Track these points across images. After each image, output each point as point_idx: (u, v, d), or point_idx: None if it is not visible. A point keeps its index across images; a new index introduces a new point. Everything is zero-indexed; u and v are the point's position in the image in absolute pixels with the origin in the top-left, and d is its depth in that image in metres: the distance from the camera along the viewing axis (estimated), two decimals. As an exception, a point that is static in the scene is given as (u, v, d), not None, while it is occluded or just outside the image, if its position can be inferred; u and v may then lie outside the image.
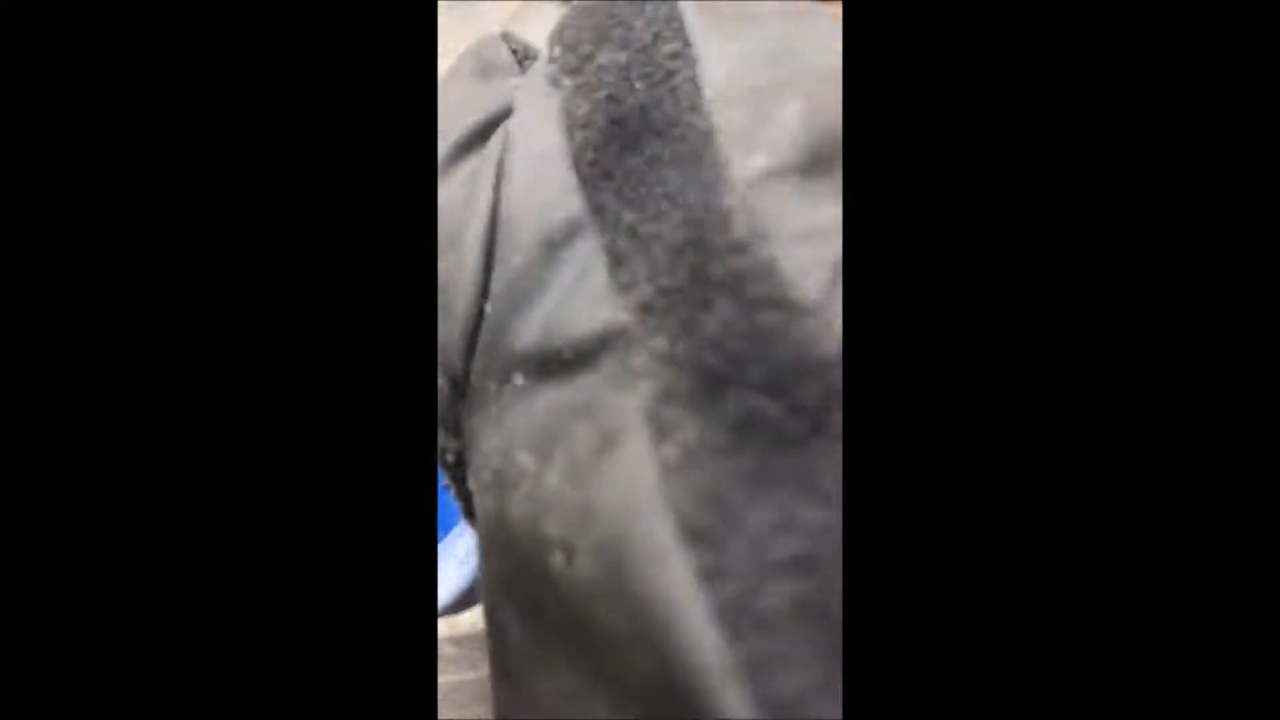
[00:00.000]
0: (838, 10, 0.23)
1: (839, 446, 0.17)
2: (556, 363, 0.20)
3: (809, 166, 0.19)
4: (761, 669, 0.16)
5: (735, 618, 0.16)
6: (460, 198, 0.23)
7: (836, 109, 0.20)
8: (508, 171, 0.22)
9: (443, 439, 0.24)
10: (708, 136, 0.20)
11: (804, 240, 0.18)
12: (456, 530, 0.41)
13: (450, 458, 0.24)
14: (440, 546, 0.42)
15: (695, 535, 0.17)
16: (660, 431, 0.18)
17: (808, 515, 0.17)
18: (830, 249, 0.18)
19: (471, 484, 0.23)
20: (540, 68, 0.24)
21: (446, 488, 0.28)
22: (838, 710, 0.17)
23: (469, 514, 0.25)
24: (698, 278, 0.18)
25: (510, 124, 0.23)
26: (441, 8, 0.28)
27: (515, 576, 0.21)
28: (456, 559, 0.40)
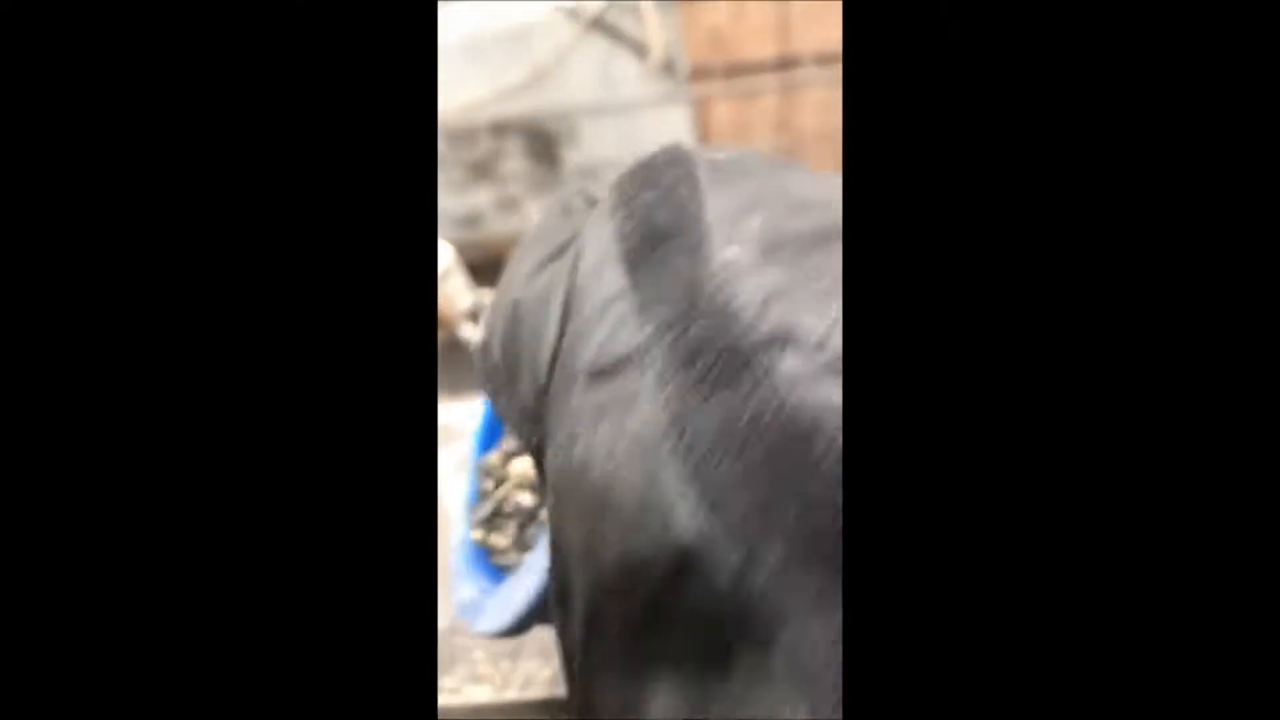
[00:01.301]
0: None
1: (753, 384, 0.29)
2: (604, 372, 0.33)
3: (764, 254, 0.32)
4: (704, 497, 0.28)
5: (697, 473, 0.29)
6: (549, 282, 0.37)
7: (788, 221, 0.33)
8: (579, 264, 0.36)
9: (531, 430, 0.38)
10: (703, 239, 0.33)
11: (753, 293, 0.31)
12: (510, 580, 0.54)
13: (535, 443, 0.38)
14: (502, 586, 0.54)
15: (678, 433, 0.30)
16: (662, 391, 0.31)
17: (737, 418, 0.29)
18: (770, 297, 0.31)
19: (548, 454, 0.36)
20: (602, 206, 0.38)
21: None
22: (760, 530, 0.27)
23: (544, 484, 0.37)
24: (687, 313, 0.31)
25: (580, 238, 0.37)
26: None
27: (569, 495, 0.34)
28: (512, 596, 0.52)
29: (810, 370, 0.28)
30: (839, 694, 0.25)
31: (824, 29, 1.37)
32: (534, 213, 1.50)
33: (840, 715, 0.25)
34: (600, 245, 0.35)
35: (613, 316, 0.33)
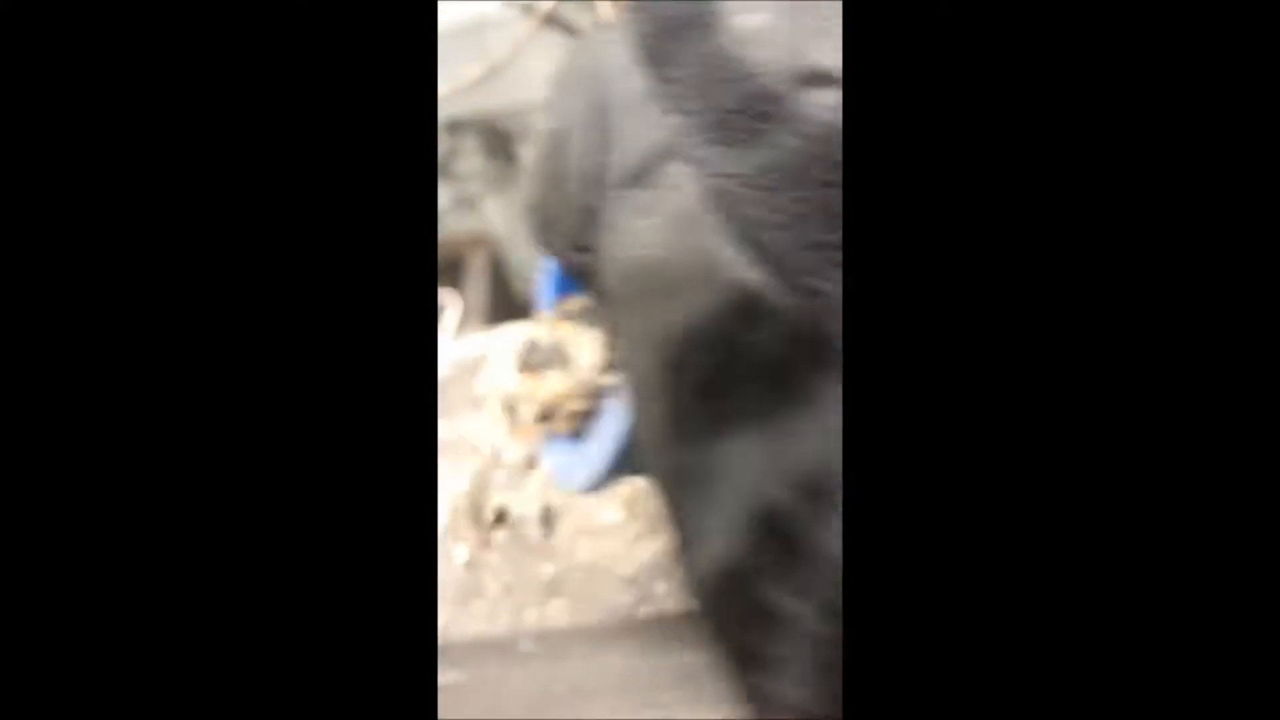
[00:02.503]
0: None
1: (790, 121, 0.30)
2: (638, 175, 0.34)
3: (782, 14, 0.33)
4: (752, 247, 0.29)
5: (744, 229, 0.30)
6: (570, 106, 0.38)
7: None
8: (599, 81, 0.37)
9: (584, 258, 0.38)
10: (718, 15, 0.33)
11: (777, 46, 0.32)
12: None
13: (589, 267, 0.38)
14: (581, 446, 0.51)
15: (717, 196, 0.30)
16: (700, 167, 0.31)
17: (774, 159, 0.30)
18: (796, 45, 0.31)
19: (600, 267, 0.37)
20: (610, 23, 0.39)
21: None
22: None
23: (600, 301, 0.39)
24: (711, 84, 0.32)
25: (595, 57, 0.38)
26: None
27: (626, 293, 0.35)
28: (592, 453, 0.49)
29: (839, 101, 0.29)
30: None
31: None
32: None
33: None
34: (615, 56, 0.36)
35: (640, 119, 0.34)
